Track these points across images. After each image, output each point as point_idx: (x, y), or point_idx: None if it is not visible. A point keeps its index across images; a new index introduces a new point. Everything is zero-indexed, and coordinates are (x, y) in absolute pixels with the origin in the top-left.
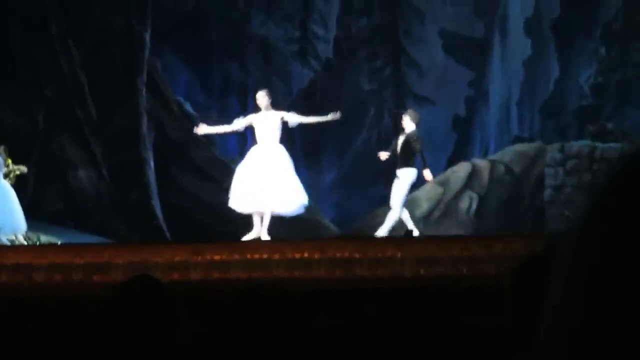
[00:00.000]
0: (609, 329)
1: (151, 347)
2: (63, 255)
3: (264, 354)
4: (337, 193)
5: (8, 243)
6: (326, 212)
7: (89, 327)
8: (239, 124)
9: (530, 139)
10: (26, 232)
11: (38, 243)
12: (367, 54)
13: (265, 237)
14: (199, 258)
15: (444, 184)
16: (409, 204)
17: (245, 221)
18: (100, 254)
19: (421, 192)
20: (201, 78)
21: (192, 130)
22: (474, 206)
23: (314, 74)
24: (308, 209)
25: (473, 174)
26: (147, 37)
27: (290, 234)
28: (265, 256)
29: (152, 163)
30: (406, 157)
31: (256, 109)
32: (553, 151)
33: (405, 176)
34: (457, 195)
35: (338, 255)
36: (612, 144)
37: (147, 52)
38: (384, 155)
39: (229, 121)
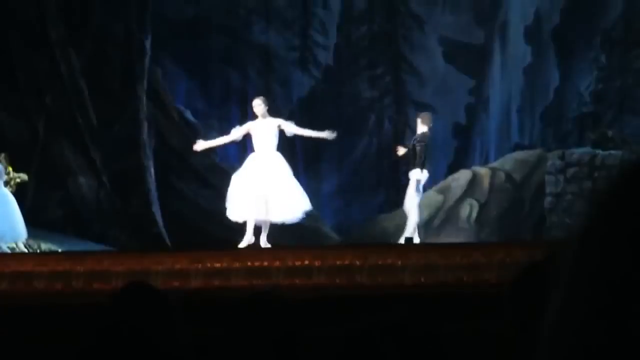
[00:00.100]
0: (610, 337)
1: (146, 353)
2: (63, 263)
3: None
4: (338, 200)
5: (9, 251)
6: (326, 219)
7: (85, 334)
8: (236, 133)
9: (531, 146)
10: (27, 240)
11: (38, 251)
12: (368, 62)
13: (266, 244)
14: (200, 265)
15: (444, 191)
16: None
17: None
18: (101, 261)
19: (422, 200)
20: (201, 85)
21: (193, 137)
22: (475, 213)
23: (314, 81)
24: (308, 216)
25: (473, 182)
26: (148, 44)
27: (291, 241)
28: (265, 264)
29: (152, 170)
30: (416, 160)
31: (254, 116)
32: (553, 158)
33: (413, 178)
34: (458, 203)
35: (338, 262)
36: (613, 151)
37: (147, 60)
38: (401, 150)
39: (229, 128)
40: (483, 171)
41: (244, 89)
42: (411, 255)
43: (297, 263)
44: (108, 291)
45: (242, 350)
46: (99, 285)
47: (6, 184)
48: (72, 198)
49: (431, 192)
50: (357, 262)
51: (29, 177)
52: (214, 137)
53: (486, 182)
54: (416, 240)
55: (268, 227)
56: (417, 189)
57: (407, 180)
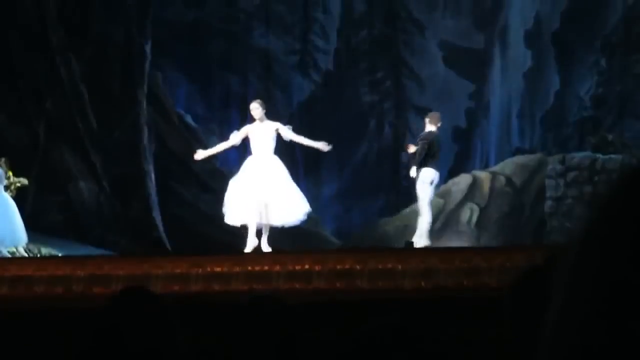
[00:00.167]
0: (610, 339)
1: (143, 357)
2: (64, 267)
3: None
4: (338, 205)
5: (9, 255)
6: (326, 223)
7: (84, 338)
8: (235, 138)
9: (531, 151)
10: (27, 245)
11: (39, 255)
12: (368, 66)
13: (267, 248)
14: (200, 270)
15: (444, 195)
16: (410, 215)
17: (247, 233)
18: (101, 266)
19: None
20: (202, 90)
21: (193, 142)
22: (475, 218)
23: (314, 85)
24: (308, 220)
25: (474, 186)
26: (148, 49)
27: (291, 245)
28: (265, 268)
29: (152, 175)
30: (423, 159)
31: (253, 120)
32: (554, 163)
33: (420, 177)
34: (458, 207)
35: (338, 267)
36: (613, 156)
37: (147, 65)
38: (412, 148)
39: (229, 132)
40: (483, 175)
41: (244, 94)
42: (411, 260)
43: (297, 267)
44: (108, 295)
45: (242, 354)
46: (99, 289)
47: (6, 188)
48: (73, 202)
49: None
50: (357, 267)
51: (29, 182)
52: (214, 141)
53: (486, 186)
54: (426, 242)
55: (268, 230)
56: (423, 188)
57: (408, 184)
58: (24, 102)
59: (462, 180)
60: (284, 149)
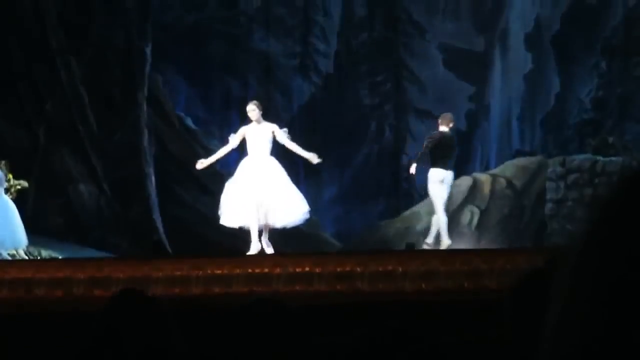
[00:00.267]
0: (610, 340)
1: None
2: (64, 269)
3: None
4: (338, 207)
5: (9, 258)
6: (327, 226)
7: (83, 341)
8: (234, 141)
9: (532, 153)
10: (27, 247)
11: (39, 258)
12: (368, 69)
13: (269, 250)
14: (200, 272)
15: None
16: (411, 217)
17: (247, 236)
18: (101, 268)
19: (422, 206)
20: (202, 93)
21: (193, 144)
22: (475, 220)
23: (314, 88)
24: (309, 223)
25: (474, 188)
26: (148, 52)
27: (291, 248)
28: (266, 270)
29: (153, 177)
30: (432, 158)
31: (250, 121)
32: (554, 165)
33: (430, 177)
34: (458, 209)
35: (339, 269)
36: (614, 158)
37: (147, 67)
38: (413, 168)
39: (229, 135)
40: (484, 178)
41: (245, 96)
42: (412, 262)
43: (298, 270)
44: (108, 298)
45: (243, 357)
46: (99, 292)
47: (6, 191)
48: (73, 205)
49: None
50: (358, 269)
51: (29, 185)
52: (214, 144)
53: (487, 189)
54: (447, 241)
55: (268, 231)
56: (433, 188)
57: (408, 186)
58: (24, 105)
59: (463, 183)
60: (283, 151)
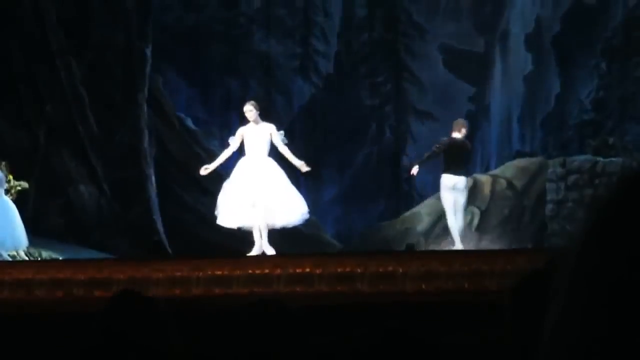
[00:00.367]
0: (610, 340)
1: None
2: (64, 270)
3: None
4: (338, 208)
5: (9, 259)
6: (327, 227)
7: (84, 341)
8: (234, 143)
9: (532, 154)
10: (27, 248)
11: (39, 259)
12: (368, 70)
13: (269, 250)
14: (200, 273)
15: None
16: (411, 218)
17: (247, 237)
18: (102, 269)
19: (422, 207)
20: (202, 93)
21: (194, 145)
22: (476, 221)
23: (315, 89)
24: (309, 224)
25: (474, 189)
26: (148, 53)
27: (292, 249)
28: (266, 271)
29: (153, 178)
30: (443, 164)
31: (246, 121)
32: (554, 166)
33: (442, 182)
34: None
35: (339, 270)
36: (614, 159)
37: (148, 68)
38: (415, 169)
39: (229, 136)
40: (484, 178)
41: (245, 97)
42: (412, 263)
43: (298, 270)
44: (108, 299)
45: (243, 358)
46: (99, 293)
47: (7, 192)
48: (73, 206)
49: (432, 200)
50: (358, 270)
51: (29, 185)
52: (214, 145)
53: (487, 190)
54: (459, 245)
55: (267, 231)
56: (443, 194)
57: (408, 187)
58: (24, 106)
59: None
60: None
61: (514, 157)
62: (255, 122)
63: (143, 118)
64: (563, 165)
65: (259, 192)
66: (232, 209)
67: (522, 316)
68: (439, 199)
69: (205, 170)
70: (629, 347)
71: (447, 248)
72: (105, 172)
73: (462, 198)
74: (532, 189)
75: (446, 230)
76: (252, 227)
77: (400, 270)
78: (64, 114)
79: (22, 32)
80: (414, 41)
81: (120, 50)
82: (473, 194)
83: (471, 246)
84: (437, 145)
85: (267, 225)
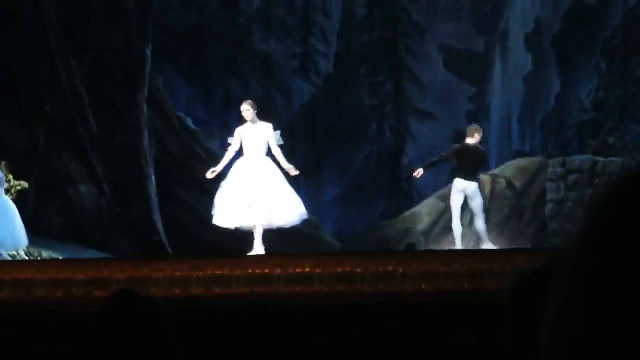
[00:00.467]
0: (608, 342)
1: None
2: (64, 270)
3: None
4: (339, 208)
5: (9, 258)
6: (327, 227)
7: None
8: (235, 144)
9: (532, 154)
10: (27, 248)
11: (39, 258)
12: (368, 70)
13: (260, 250)
14: (200, 273)
15: (445, 198)
16: (411, 218)
17: (247, 237)
18: (102, 269)
19: (422, 207)
20: (202, 94)
21: (193, 145)
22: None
23: (315, 89)
24: (309, 223)
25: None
26: (148, 53)
27: (292, 249)
28: (266, 271)
29: (153, 178)
30: (456, 167)
31: (244, 121)
32: (554, 166)
33: (453, 185)
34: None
35: (339, 270)
36: (614, 159)
37: (148, 68)
38: (417, 172)
39: (229, 136)
40: (484, 178)
41: (245, 97)
42: (412, 263)
43: (298, 270)
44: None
45: (243, 358)
46: (99, 292)
47: (7, 191)
48: (73, 206)
49: (432, 200)
50: (358, 270)
51: (29, 185)
52: (215, 145)
53: (487, 189)
54: (459, 245)
55: (262, 231)
56: (452, 196)
57: (408, 187)
58: (24, 106)
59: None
60: (282, 152)
61: (514, 157)
62: (253, 121)
63: (143, 118)
64: (563, 165)
65: (256, 192)
66: (230, 209)
67: (522, 316)
68: (439, 199)
69: (212, 174)
70: (628, 346)
71: (447, 248)
72: (106, 172)
73: (475, 202)
74: (532, 189)
75: (446, 230)
76: (250, 227)
77: (400, 270)
78: (64, 114)
79: (23, 32)
80: (414, 41)
81: (120, 50)
82: None
83: (471, 246)
84: (448, 151)
85: (265, 225)
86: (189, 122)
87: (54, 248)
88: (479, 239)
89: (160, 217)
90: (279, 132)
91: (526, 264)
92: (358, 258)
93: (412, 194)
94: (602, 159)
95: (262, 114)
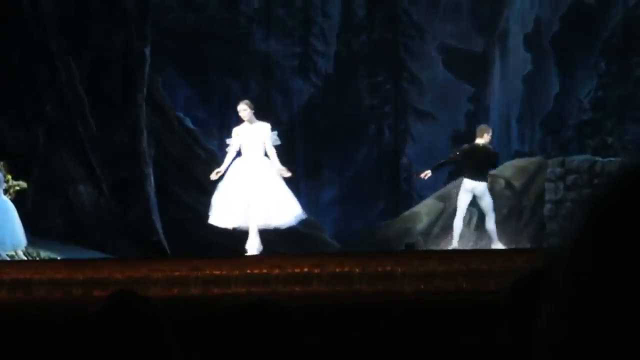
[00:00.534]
0: (603, 342)
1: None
2: (63, 270)
3: None
4: (338, 208)
5: (8, 258)
6: (326, 227)
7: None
8: (234, 145)
9: (531, 154)
10: (26, 248)
11: (38, 258)
12: (368, 70)
13: (252, 251)
14: (199, 273)
15: (444, 198)
16: (410, 218)
17: (245, 236)
18: (100, 269)
19: (421, 207)
20: (201, 93)
21: (193, 145)
22: (475, 220)
23: (314, 89)
24: (308, 223)
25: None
26: (147, 53)
27: (291, 249)
28: (265, 271)
29: (152, 178)
30: (464, 167)
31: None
32: (553, 166)
33: (462, 184)
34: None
35: (338, 270)
36: (613, 158)
37: (147, 68)
38: (421, 174)
39: (228, 136)
40: None
41: (244, 97)
42: (411, 263)
43: (297, 270)
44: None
45: (241, 358)
46: (98, 292)
47: (5, 191)
48: (72, 206)
49: (431, 200)
50: (357, 270)
51: (28, 185)
52: (213, 145)
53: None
54: (455, 245)
55: (257, 231)
56: (460, 195)
57: (407, 187)
58: (24, 106)
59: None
60: (282, 152)
61: (513, 157)
62: (250, 121)
63: (142, 118)
64: (562, 165)
65: (253, 192)
66: (227, 208)
67: (520, 316)
68: (437, 199)
69: (216, 175)
70: (623, 348)
71: (446, 247)
72: (104, 172)
73: (484, 201)
74: (531, 189)
75: (445, 230)
76: (247, 227)
77: (399, 270)
78: (64, 114)
79: (22, 32)
80: (414, 41)
81: (120, 50)
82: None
83: (470, 246)
84: (454, 154)
85: (261, 225)
86: (188, 122)
87: (53, 248)
88: (489, 239)
89: (159, 217)
90: (276, 132)
91: (525, 263)
92: (357, 258)
93: (411, 194)
94: (600, 159)
95: (258, 113)
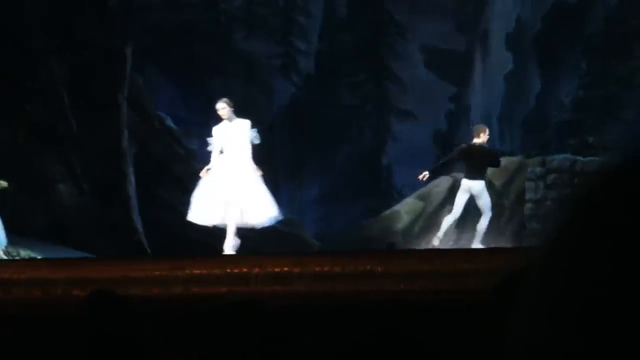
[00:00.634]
0: (582, 343)
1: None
2: (43, 270)
3: None
4: (319, 207)
5: None
6: (308, 226)
7: (57, 341)
8: (216, 145)
9: (511, 153)
10: (6, 247)
11: (18, 258)
12: (350, 69)
13: (228, 250)
14: (179, 272)
15: (425, 198)
16: (391, 217)
17: (225, 235)
18: (80, 268)
19: (402, 206)
20: (183, 93)
21: (173, 144)
22: (457, 220)
23: (296, 88)
24: (289, 223)
25: (454, 188)
26: (129, 52)
27: (272, 248)
28: (245, 270)
29: (133, 178)
30: (464, 167)
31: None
32: (534, 165)
33: (461, 184)
34: (438, 209)
35: (318, 269)
36: (593, 158)
37: (128, 68)
38: (422, 175)
39: (209, 135)
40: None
41: (226, 96)
42: (392, 262)
43: (277, 270)
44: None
45: (221, 356)
46: (78, 292)
47: None
48: (53, 205)
49: (412, 199)
50: (337, 269)
51: (9, 185)
52: (194, 144)
53: None
54: (436, 243)
55: (234, 229)
56: (458, 194)
57: (389, 188)
58: (4, 105)
59: (443, 183)
60: (264, 151)
61: None
62: (229, 119)
63: (123, 117)
64: (542, 164)
65: (230, 190)
66: (205, 206)
67: (502, 316)
68: (417, 198)
69: (206, 172)
70: (605, 347)
71: (427, 245)
72: (85, 171)
73: (481, 200)
74: (512, 188)
75: (425, 229)
76: (225, 225)
77: (380, 270)
78: (44, 114)
79: (3, 31)
80: (395, 41)
81: (101, 49)
82: (452, 193)
83: (450, 245)
84: (452, 153)
85: (239, 224)
86: (170, 122)
87: (34, 247)
88: (471, 238)
89: (140, 217)
90: (255, 129)
91: (505, 263)
92: (337, 257)
93: (391, 193)
94: (581, 158)
95: (237, 111)
